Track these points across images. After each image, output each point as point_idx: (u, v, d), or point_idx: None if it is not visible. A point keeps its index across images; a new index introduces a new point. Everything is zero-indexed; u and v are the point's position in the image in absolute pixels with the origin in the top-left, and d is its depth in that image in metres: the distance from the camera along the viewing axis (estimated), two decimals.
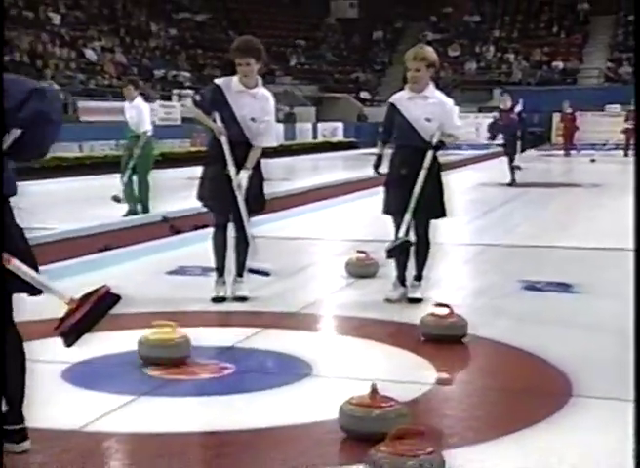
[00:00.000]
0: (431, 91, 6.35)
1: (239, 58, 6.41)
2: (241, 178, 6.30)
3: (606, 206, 13.32)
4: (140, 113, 11.25)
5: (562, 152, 28.31)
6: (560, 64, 39.32)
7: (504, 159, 17.80)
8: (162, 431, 3.94)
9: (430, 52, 6.34)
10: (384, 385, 3.83)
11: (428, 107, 6.28)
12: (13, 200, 3.37)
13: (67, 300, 3.21)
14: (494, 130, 17.88)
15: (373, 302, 6.42)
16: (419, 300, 6.39)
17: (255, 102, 6.47)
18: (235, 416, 4.15)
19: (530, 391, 4.62)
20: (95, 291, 3.23)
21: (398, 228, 6.37)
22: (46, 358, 4.95)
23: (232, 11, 41.55)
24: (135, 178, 11.47)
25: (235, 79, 6.49)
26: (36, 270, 3.41)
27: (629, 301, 5.44)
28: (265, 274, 6.67)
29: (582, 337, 5.31)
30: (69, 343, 3.24)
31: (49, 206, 12.16)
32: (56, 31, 30.11)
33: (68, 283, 3.59)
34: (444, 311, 5.26)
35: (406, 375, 4.72)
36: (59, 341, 5.21)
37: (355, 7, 43.26)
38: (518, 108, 17.85)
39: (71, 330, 3.16)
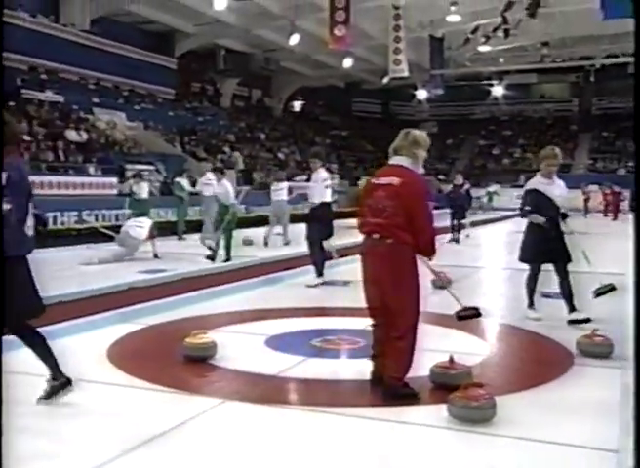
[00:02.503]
0: (556, 178, 5.78)
1: (310, 159, 7.63)
2: None
3: (601, 246, 12.51)
4: (227, 192, 9.60)
5: (601, 214, 24.71)
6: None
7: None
8: (325, 378, 3.94)
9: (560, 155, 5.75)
10: (458, 355, 3.75)
11: (560, 189, 5.74)
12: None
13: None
14: (447, 200, 14.41)
15: (449, 304, 6.18)
16: (581, 321, 5.32)
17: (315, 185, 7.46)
18: (367, 370, 4.08)
19: (546, 360, 4.41)
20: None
21: (533, 272, 5.76)
22: (254, 332, 5.06)
23: (364, 128, 41.75)
24: (222, 235, 9.37)
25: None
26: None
27: (616, 306, 5.12)
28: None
29: (578, 328, 5.01)
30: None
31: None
32: (262, 143, 30.97)
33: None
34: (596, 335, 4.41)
35: (471, 349, 4.57)
36: (260, 323, 5.29)
37: (436, 126, 42.79)
38: (466, 186, 15.23)
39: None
